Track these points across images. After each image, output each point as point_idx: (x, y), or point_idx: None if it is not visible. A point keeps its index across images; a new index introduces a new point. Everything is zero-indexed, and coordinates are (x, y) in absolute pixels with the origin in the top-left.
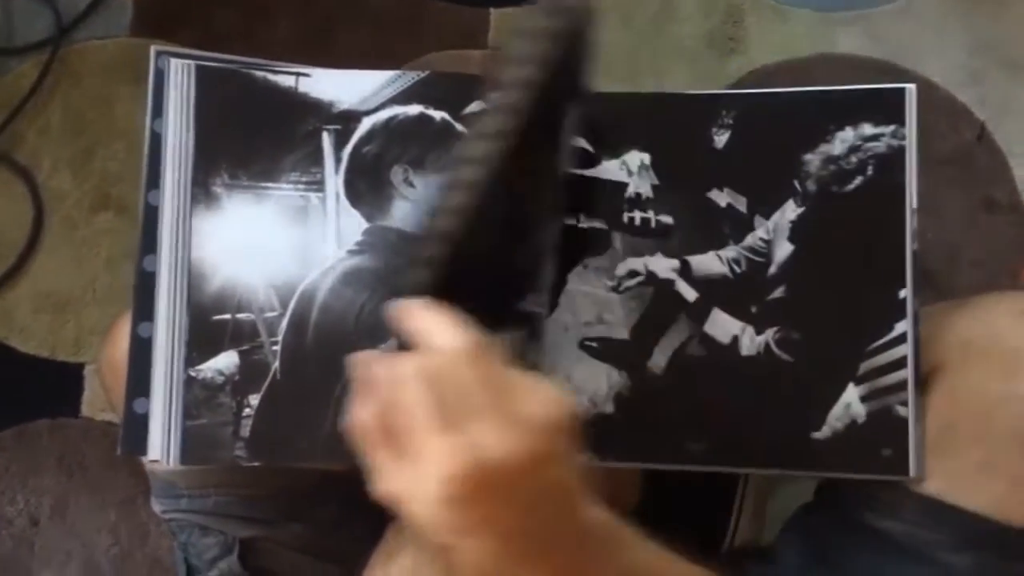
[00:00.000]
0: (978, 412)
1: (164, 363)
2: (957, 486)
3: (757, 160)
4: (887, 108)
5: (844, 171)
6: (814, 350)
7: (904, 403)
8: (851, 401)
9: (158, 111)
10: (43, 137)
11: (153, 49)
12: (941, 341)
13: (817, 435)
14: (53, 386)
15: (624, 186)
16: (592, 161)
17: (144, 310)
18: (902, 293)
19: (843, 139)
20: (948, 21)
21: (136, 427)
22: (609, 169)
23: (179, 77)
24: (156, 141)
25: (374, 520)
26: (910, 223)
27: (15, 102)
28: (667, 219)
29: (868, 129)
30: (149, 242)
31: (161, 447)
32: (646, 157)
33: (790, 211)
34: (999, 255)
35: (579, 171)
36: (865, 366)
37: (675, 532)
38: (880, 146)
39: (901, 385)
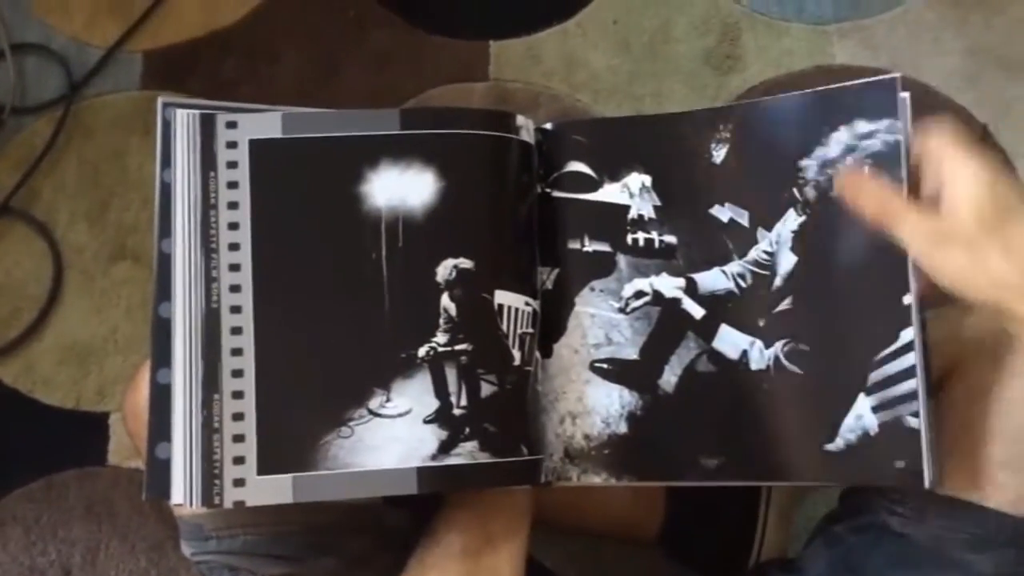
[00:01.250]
0: (996, 411)
1: (182, 406)
2: (978, 484)
3: (756, 171)
4: (879, 101)
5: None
6: (822, 361)
7: (915, 413)
8: (863, 412)
9: (167, 161)
10: (59, 192)
11: (160, 101)
12: (956, 342)
13: (830, 447)
14: (79, 436)
15: (626, 208)
16: (594, 185)
17: (162, 356)
18: (906, 299)
19: (838, 140)
20: (942, 27)
21: (159, 472)
22: (611, 192)
23: (184, 127)
24: (166, 190)
25: (402, 551)
26: None
27: (31, 159)
28: (671, 238)
29: (863, 126)
30: (164, 289)
31: (184, 490)
32: (647, 179)
33: (791, 221)
34: None
35: (581, 196)
36: (874, 376)
37: (702, 550)
38: (876, 143)
39: (912, 395)
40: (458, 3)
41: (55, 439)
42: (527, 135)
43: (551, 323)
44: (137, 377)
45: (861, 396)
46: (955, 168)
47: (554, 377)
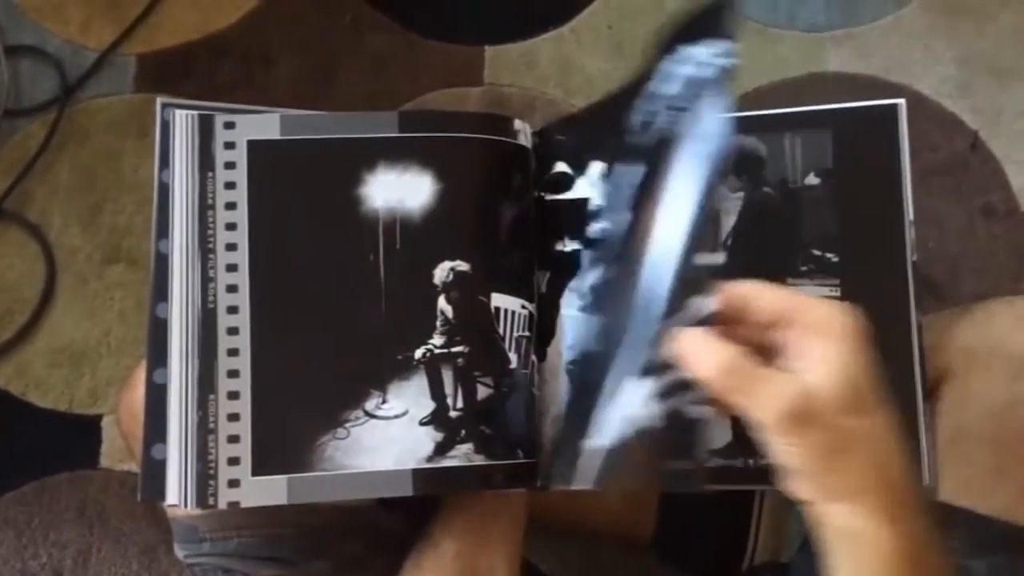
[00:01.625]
0: (986, 417)
1: (178, 406)
2: (970, 491)
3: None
4: (714, 22)
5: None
6: (604, 339)
7: (699, 402)
8: (636, 399)
9: (165, 162)
10: (53, 195)
11: (159, 101)
12: (946, 349)
13: (587, 443)
14: (72, 439)
15: (587, 201)
16: (569, 183)
17: (159, 356)
18: (700, 258)
19: (680, 74)
20: (935, 35)
21: (155, 473)
22: (581, 188)
23: (183, 127)
24: (164, 191)
25: (396, 554)
26: (908, 234)
27: (24, 162)
28: (622, 220)
29: (702, 53)
30: (161, 290)
31: (178, 491)
32: (604, 166)
33: (638, 174)
34: (999, 261)
35: (562, 196)
36: (650, 356)
37: (695, 553)
38: (709, 70)
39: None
40: (454, 8)
41: (47, 442)
42: (524, 139)
43: (545, 326)
44: (132, 377)
45: (630, 380)
46: (820, 344)
47: (549, 380)
